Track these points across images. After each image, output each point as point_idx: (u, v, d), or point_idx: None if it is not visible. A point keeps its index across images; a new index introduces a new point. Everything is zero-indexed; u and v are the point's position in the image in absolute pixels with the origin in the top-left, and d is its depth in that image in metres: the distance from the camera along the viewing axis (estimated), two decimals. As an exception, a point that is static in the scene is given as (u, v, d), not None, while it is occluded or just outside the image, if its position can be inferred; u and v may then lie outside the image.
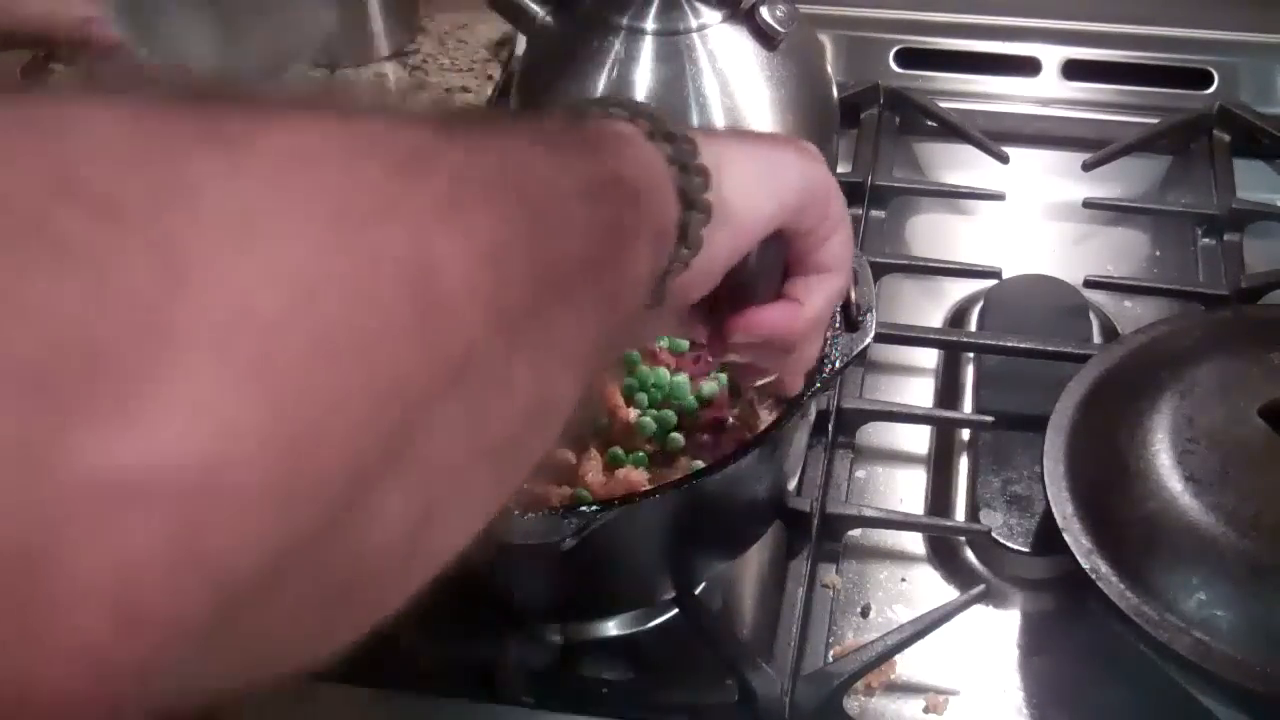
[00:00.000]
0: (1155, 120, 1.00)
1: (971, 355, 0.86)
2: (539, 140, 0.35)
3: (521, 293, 0.29)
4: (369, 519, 0.26)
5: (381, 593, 0.30)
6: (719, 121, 0.84)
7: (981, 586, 0.70)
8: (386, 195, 0.25)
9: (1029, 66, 1.06)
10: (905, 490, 0.80)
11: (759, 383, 0.63)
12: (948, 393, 0.85)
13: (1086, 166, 0.98)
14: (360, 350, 0.23)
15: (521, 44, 0.95)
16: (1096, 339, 0.85)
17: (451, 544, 0.32)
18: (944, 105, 1.02)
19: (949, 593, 0.74)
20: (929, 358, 0.87)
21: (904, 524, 0.76)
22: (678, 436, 0.66)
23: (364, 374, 0.23)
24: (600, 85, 0.84)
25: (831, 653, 0.70)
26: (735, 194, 0.45)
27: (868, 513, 0.74)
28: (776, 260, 0.52)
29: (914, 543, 0.77)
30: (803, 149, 0.50)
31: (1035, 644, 0.72)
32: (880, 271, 0.87)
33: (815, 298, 0.53)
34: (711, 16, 0.84)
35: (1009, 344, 0.82)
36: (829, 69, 0.93)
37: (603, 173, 0.37)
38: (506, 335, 0.28)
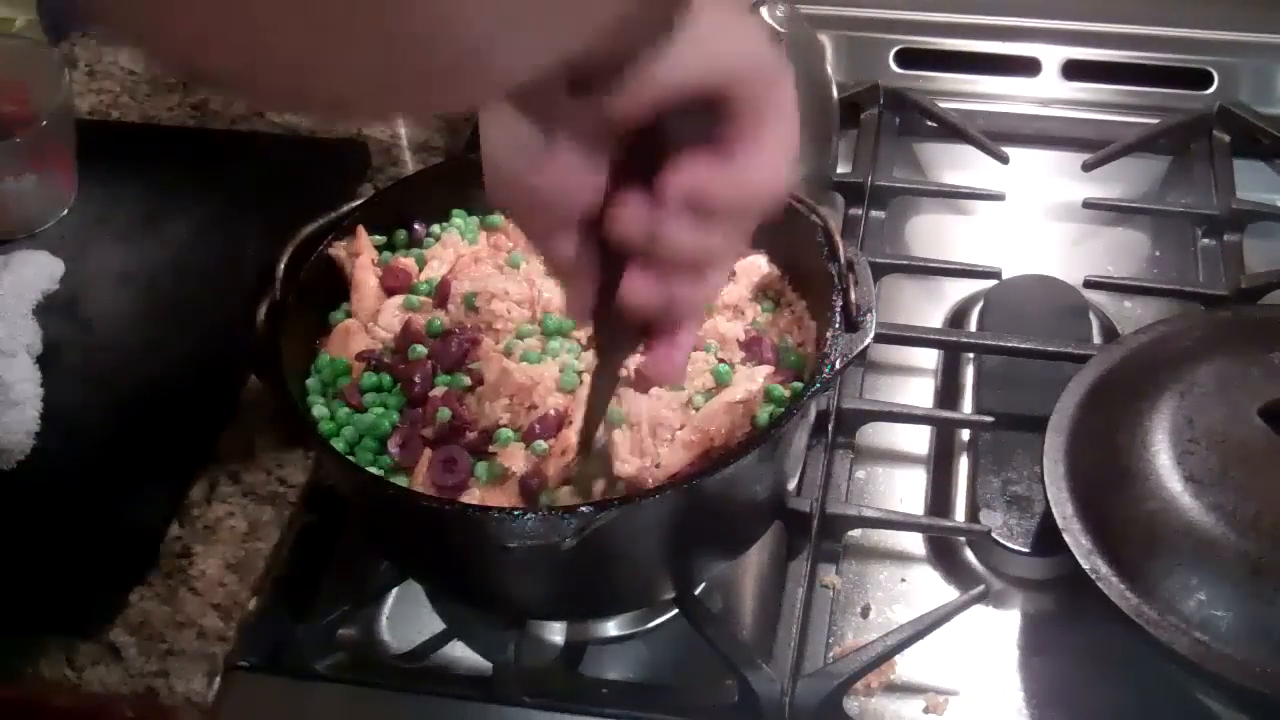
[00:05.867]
0: (1155, 120, 1.00)
1: (971, 355, 0.86)
2: None
3: None
4: None
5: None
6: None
7: (981, 587, 0.70)
8: None
9: (1029, 66, 1.06)
10: (905, 490, 0.80)
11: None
12: (948, 393, 0.85)
13: (1086, 166, 0.98)
14: None
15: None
16: (1096, 339, 0.85)
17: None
18: (944, 105, 1.02)
19: (949, 593, 0.74)
20: (929, 358, 0.87)
21: (904, 524, 0.76)
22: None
23: None
24: (600, 85, 0.84)
25: (831, 653, 0.70)
26: (709, 19, 0.43)
27: (868, 513, 0.74)
28: (704, 119, 0.46)
29: (914, 543, 0.77)
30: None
31: (1035, 644, 0.72)
32: (880, 271, 0.87)
33: (763, 149, 0.47)
34: (711, 16, 0.84)
35: (1009, 344, 0.82)
36: (829, 69, 0.93)
37: None
38: None
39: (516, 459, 0.62)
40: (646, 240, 0.44)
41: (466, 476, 0.62)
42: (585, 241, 0.47)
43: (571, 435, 0.61)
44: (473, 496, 0.62)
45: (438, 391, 0.66)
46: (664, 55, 0.41)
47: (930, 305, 0.92)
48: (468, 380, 0.66)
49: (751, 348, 0.67)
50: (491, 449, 0.63)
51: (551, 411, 0.63)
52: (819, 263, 0.68)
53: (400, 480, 0.63)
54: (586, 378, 0.65)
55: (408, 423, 0.65)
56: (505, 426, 0.64)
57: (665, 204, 0.43)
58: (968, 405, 0.83)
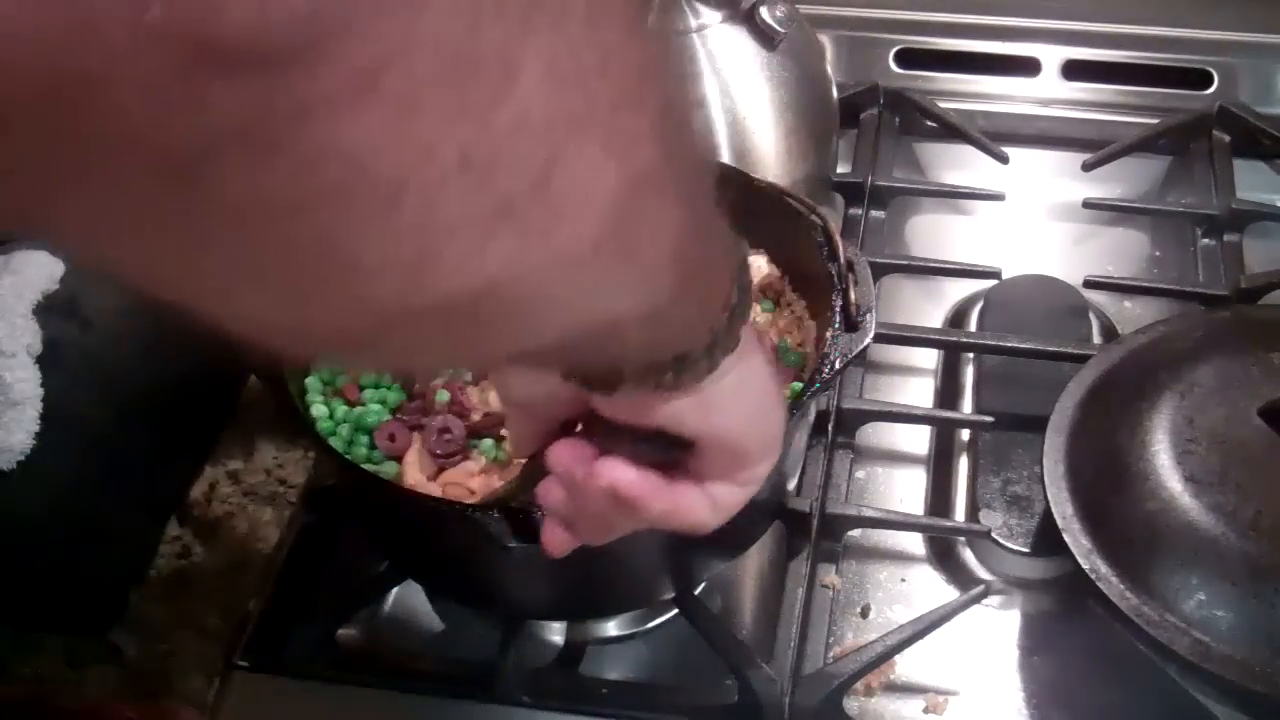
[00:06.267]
0: (1155, 120, 1.00)
1: (971, 355, 0.86)
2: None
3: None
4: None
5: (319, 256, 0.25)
6: (719, 123, 0.83)
7: (981, 587, 0.70)
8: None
9: (1029, 66, 1.06)
10: (905, 490, 0.80)
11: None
12: (948, 393, 0.85)
13: (1086, 166, 0.97)
14: None
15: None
16: (1096, 339, 0.85)
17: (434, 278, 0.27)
18: (944, 105, 1.02)
19: (949, 593, 0.74)
20: (929, 358, 0.87)
21: (904, 524, 0.76)
22: None
23: None
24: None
25: (831, 653, 0.70)
26: (734, 383, 0.41)
27: (868, 513, 0.74)
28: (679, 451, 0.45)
29: (914, 543, 0.77)
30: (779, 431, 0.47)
31: (1035, 644, 0.72)
32: (880, 271, 0.87)
33: (701, 494, 0.45)
34: (711, 16, 0.84)
35: (1009, 344, 0.82)
36: (829, 69, 0.93)
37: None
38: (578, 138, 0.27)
39: None
40: (568, 479, 0.45)
41: (462, 445, 0.62)
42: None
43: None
44: (473, 470, 0.62)
45: (438, 381, 0.66)
46: (671, 397, 0.40)
47: (930, 305, 0.92)
48: (469, 375, 0.66)
49: None
50: (503, 431, 0.63)
51: None
52: (819, 263, 0.67)
53: (390, 467, 0.63)
54: None
55: (402, 414, 0.65)
56: None
57: (592, 478, 0.43)
58: (968, 405, 0.83)
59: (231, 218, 0.24)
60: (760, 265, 0.72)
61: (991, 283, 0.89)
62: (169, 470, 0.77)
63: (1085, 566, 0.64)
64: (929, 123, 1.03)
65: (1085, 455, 0.69)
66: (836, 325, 0.64)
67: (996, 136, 0.99)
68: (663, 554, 0.65)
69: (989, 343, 0.84)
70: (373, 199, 0.24)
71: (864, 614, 0.73)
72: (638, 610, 0.72)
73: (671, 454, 0.44)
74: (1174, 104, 1.02)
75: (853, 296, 0.65)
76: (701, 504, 0.45)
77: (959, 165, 1.02)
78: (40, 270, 0.88)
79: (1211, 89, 1.02)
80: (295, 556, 0.74)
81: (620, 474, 0.43)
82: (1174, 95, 1.03)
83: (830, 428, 0.78)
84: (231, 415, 0.80)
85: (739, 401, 0.43)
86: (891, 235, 0.97)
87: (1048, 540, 0.72)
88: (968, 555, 0.76)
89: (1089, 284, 0.88)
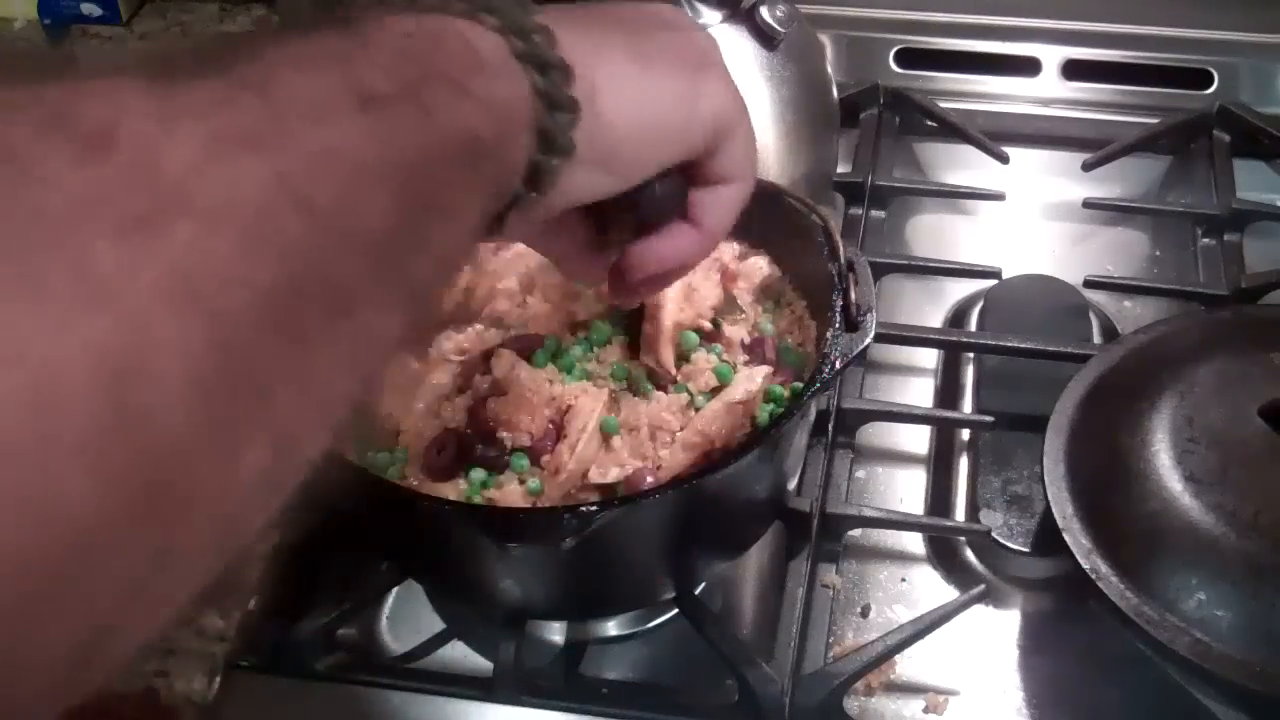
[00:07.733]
0: (1155, 120, 1.00)
1: (971, 355, 0.86)
2: (355, 99, 0.30)
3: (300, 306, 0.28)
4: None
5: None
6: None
7: (981, 586, 0.70)
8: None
9: (1029, 66, 1.06)
10: (905, 490, 0.80)
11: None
12: (948, 393, 0.85)
13: (1086, 166, 0.97)
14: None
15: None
16: (1096, 339, 0.85)
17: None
18: (944, 105, 1.02)
19: (949, 593, 0.74)
20: (929, 358, 0.87)
21: (904, 524, 0.76)
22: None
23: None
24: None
25: (831, 653, 0.70)
26: (620, 129, 0.39)
27: (868, 513, 0.74)
28: (676, 184, 0.46)
29: (914, 543, 0.77)
30: (704, 57, 0.44)
31: (1035, 644, 0.72)
32: (880, 271, 0.86)
33: (717, 214, 0.48)
34: (711, 16, 0.84)
35: (1009, 344, 0.82)
36: (829, 69, 0.93)
37: (432, 141, 0.32)
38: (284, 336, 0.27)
39: (512, 495, 0.61)
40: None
41: (451, 462, 0.61)
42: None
43: (564, 452, 0.61)
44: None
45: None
46: (566, 195, 0.41)
47: (930, 305, 0.92)
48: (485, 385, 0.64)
49: (754, 350, 0.67)
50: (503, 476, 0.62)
51: (549, 425, 0.62)
52: (819, 263, 0.67)
53: (395, 470, 0.63)
54: (588, 387, 0.64)
55: None
56: (520, 449, 0.62)
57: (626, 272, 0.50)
58: (968, 405, 0.83)
59: None
60: (760, 265, 0.72)
61: (991, 283, 0.89)
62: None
63: (1085, 566, 0.64)
64: (929, 122, 1.03)
65: (1085, 455, 0.69)
66: (837, 325, 0.64)
67: (996, 136, 0.99)
68: (663, 554, 0.65)
69: (989, 343, 0.84)
70: None
71: (864, 614, 0.73)
72: (638, 610, 0.72)
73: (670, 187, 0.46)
74: (1174, 104, 1.02)
75: (853, 296, 0.65)
76: (723, 171, 0.47)
77: (959, 165, 1.02)
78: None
79: (1211, 89, 1.03)
80: (295, 556, 0.74)
81: (627, 256, 0.49)
82: (1174, 95, 1.03)
83: (830, 428, 0.78)
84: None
85: (634, 112, 0.41)
86: (891, 235, 0.97)
87: (1048, 540, 0.72)
88: (968, 555, 0.76)
89: (1089, 284, 0.88)
